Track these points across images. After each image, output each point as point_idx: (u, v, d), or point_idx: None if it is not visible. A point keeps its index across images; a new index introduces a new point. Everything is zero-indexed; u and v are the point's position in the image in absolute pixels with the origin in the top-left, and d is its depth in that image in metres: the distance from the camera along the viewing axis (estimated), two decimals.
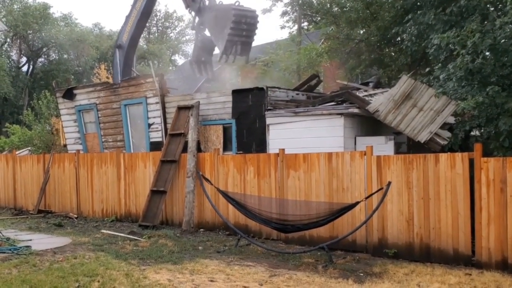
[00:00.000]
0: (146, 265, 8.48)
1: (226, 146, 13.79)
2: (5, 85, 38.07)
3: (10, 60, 44.76)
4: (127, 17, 17.54)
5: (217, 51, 16.20)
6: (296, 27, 26.14)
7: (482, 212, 8.23)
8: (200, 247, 10.08)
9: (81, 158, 15.24)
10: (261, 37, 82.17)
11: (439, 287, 7.11)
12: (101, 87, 17.30)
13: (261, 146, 13.01)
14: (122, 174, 14.02)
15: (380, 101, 11.40)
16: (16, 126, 27.43)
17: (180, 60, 53.67)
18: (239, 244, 10.02)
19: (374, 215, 9.08)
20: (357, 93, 12.72)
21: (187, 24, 51.90)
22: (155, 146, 15.12)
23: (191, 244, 10.28)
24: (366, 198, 9.16)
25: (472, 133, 10.94)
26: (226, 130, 13.87)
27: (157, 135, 15.40)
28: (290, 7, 24.60)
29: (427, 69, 12.94)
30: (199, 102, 13.84)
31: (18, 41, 44.40)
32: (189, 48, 50.96)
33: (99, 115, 16.97)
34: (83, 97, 17.47)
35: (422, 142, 10.59)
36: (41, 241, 10.73)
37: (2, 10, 42.90)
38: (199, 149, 13.37)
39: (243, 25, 15.21)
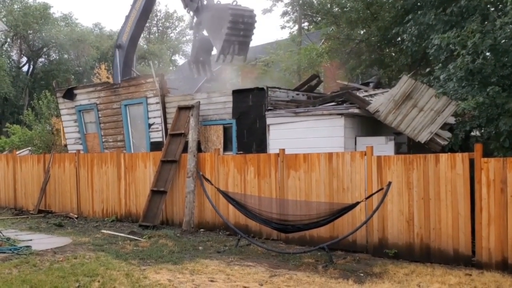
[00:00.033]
0: (146, 265, 8.48)
1: (227, 146, 13.80)
2: (6, 85, 38.11)
3: (11, 60, 44.81)
4: (127, 17, 17.56)
5: (215, 51, 16.21)
6: (296, 27, 26.15)
7: (482, 212, 8.23)
8: (200, 247, 10.08)
9: (81, 158, 15.24)
10: (261, 37, 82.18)
11: (439, 287, 7.11)
12: (102, 87, 17.30)
13: (261, 146, 13.01)
14: (123, 174, 14.02)
15: (380, 102, 11.40)
16: (17, 126, 27.47)
17: (180, 60, 53.72)
18: (239, 244, 10.02)
19: (374, 215, 9.08)
20: (358, 94, 12.72)
21: (187, 24, 51.85)
22: (155, 146, 15.13)
23: (192, 244, 10.28)
24: (367, 198, 9.16)
25: (472, 134, 10.93)
26: (226, 130, 13.87)
27: (157, 135, 15.41)
28: (290, 7, 24.62)
29: (428, 70, 12.95)
30: (199, 102, 13.85)
31: (19, 41, 44.45)
32: (189, 48, 50.92)
33: (100, 115, 16.97)
34: (83, 97, 17.48)
35: (422, 142, 10.58)
36: (42, 241, 10.73)
37: (2, 10, 42.94)
38: (199, 149, 13.37)
39: (241, 24, 15.20)
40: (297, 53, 22.98)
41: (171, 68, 47.81)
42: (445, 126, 10.77)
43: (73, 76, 42.08)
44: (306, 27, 28.49)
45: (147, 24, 50.72)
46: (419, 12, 13.89)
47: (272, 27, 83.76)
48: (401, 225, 9.04)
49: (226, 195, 10.59)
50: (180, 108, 13.98)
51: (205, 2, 16.04)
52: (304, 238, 10.19)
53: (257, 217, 10.00)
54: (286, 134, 12.38)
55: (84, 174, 15.08)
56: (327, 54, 20.45)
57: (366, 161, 9.49)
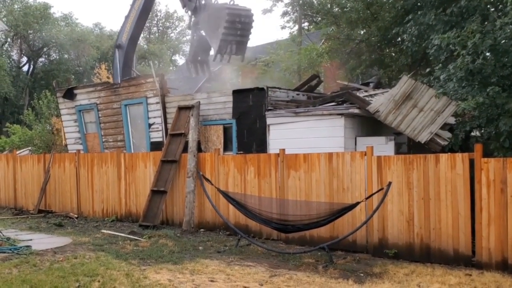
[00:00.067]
0: (146, 265, 8.48)
1: (227, 146, 13.80)
2: (6, 84, 38.12)
3: (11, 60, 44.81)
4: (126, 17, 17.58)
5: (213, 51, 16.23)
6: (296, 27, 26.16)
7: (482, 212, 8.23)
8: (200, 247, 10.08)
9: (81, 158, 15.24)
10: (261, 37, 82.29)
11: (439, 287, 7.12)
12: (102, 87, 17.30)
13: (261, 146, 13.01)
14: (123, 174, 14.02)
15: (380, 102, 11.40)
16: (17, 126, 27.48)
17: (180, 60, 53.70)
18: (240, 244, 10.02)
19: (374, 215, 9.08)
20: (358, 94, 12.72)
21: (187, 24, 51.92)
22: (155, 146, 15.13)
23: (192, 244, 10.28)
24: (367, 198, 9.17)
25: (472, 134, 10.93)
26: (226, 130, 13.87)
27: (157, 135, 15.41)
28: (290, 7, 24.63)
29: (428, 70, 12.95)
30: (199, 102, 13.85)
31: (19, 41, 44.46)
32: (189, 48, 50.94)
33: (100, 115, 16.97)
34: (83, 97, 17.48)
35: (422, 142, 10.59)
36: (42, 241, 10.73)
37: (2, 10, 42.95)
38: (199, 149, 13.37)
39: (238, 24, 15.20)
40: (297, 53, 22.99)
41: (171, 68, 47.82)
42: (445, 126, 10.77)
43: (73, 76, 42.10)
44: (306, 27, 28.51)
45: (147, 24, 50.80)
46: (419, 12, 13.89)
47: (272, 27, 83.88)
48: (401, 225, 9.04)
49: (226, 195, 10.59)
50: (180, 108, 13.99)
51: (203, 2, 16.04)
52: (304, 238, 10.20)
53: (257, 217, 10.00)
54: (286, 134, 12.38)
55: (84, 174, 15.08)
56: (327, 54, 20.45)
57: (366, 161, 9.49)
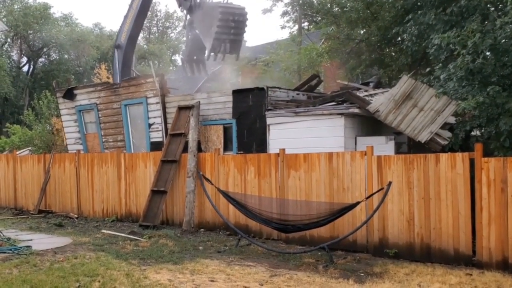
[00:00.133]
0: (146, 265, 8.48)
1: (227, 146, 13.79)
2: (6, 85, 38.10)
3: (11, 60, 44.80)
4: (125, 17, 17.61)
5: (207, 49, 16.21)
6: (296, 27, 26.14)
7: (482, 212, 8.23)
8: (200, 247, 10.08)
9: (81, 158, 15.24)
10: (261, 37, 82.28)
11: (440, 287, 7.11)
12: (102, 87, 17.30)
13: (261, 146, 13.01)
14: (123, 174, 14.02)
15: (380, 101, 11.40)
16: (17, 126, 27.46)
17: (180, 60, 53.68)
18: (240, 244, 10.01)
19: (374, 215, 9.08)
20: (358, 93, 12.72)
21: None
22: (155, 146, 15.13)
23: (192, 244, 10.28)
24: (367, 198, 9.16)
25: (472, 133, 10.93)
26: (226, 130, 13.87)
27: (157, 135, 15.41)
28: (290, 7, 24.60)
29: (428, 69, 12.94)
30: (199, 102, 13.84)
31: (19, 41, 44.45)
32: None
33: (100, 115, 16.97)
34: (83, 97, 17.48)
35: (422, 142, 10.58)
36: (42, 241, 10.73)
37: (2, 10, 42.95)
38: (199, 149, 13.37)
39: (231, 22, 15.18)
40: (297, 53, 22.98)
41: (171, 68, 47.80)
42: (445, 126, 10.77)
43: (73, 76, 42.07)
44: (306, 27, 28.49)
45: (147, 24, 50.86)
46: (419, 12, 13.89)
47: (272, 27, 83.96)
48: (402, 225, 9.04)
49: (226, 195, 10.59)
50: (180, 108, 13.98)
51: (198, 1, 16.04)
52: (304, 238, 10.19)
53: (257, 217, 10.00)
54: (286, 134, 12.38)
55: (84, 174, 15.08)
56: (327, 54, 20.45)
57: (366, 161, 9.49)
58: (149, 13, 36.94)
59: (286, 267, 8.41)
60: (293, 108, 12.71)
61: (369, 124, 12.09)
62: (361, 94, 12.89)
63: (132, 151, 15.98)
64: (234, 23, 15.27)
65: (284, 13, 25.49)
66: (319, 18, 24.86)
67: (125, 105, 16.22)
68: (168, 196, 12.73)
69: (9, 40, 44.34)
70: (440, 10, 13.10)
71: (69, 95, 17.69)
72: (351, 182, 9.68)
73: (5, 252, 9.27)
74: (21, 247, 9.66)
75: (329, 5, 21.36)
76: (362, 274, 7.86)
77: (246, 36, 16.02)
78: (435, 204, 8.66)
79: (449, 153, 9.01)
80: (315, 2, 22.92)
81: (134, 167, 13.77)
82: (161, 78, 15.46)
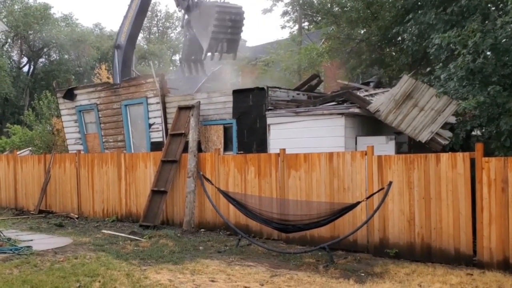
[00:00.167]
0: (147, 265, 8.48)
1: (227, 146, 13.79)
2: (6, 85, 38.12)
3: (11, 60, 44.82)
4: (125, 17, 17.62)
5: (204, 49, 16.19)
6: (296, 27, 26.15)
7: (483, 212, 8.22)
8: (201, 247, 10.07)
9: (82, 158, 15.24)
10: (261, 37, 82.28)
11: (441, 287, 7.10)
12: (102, 87, 17.30)
13: (261, 146, 13.00)
14: (123, 174, 14.02)
15: (381, 101, 11.39)
16: (17, 126, 27.47)
17: (178, 60, 53.66)
18: (240, 244, 10.01)
19: (375, 215, 9.07)
20: (358, 93, 12.71)
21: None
22: (155, 146, 15.12)
23: (192, 244, 10.27)
24: (367, 198, 9.15)
25: (473, 133, 10.92)
26: (226, 130, 13.87)
27: (157, 135, 15.40)
28: (290, 7, 24.62)
29: (428, 69, 12.94)
30: (199, 102, 13.84)
31: (19, 41, 44.47)
32: None
33: (100, 116, 16.97)
34: (83, 98, 17.48)
35: (423, 142, 10.57)
36: (42, 241, 10.73)
37: (3, 10, 42.98)
38: (199, 149, 13.37)
39: (228, 22, 15.18)
40: (297, 52, 22.98)
41: (171, 68, 47.79)
42: (446, 126, 10.76)
43: (73, 77, 42.08)
44: (306, 27, 28.49)
45: (147, 24, 50.87)
46: (419, 12, 13.88)
47: (272, 27, 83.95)
48: (402, 225, 9.03)
49: (226, 195, 10.58)
50: (181, 108, 13.98)
51: (195, 0, 16.04)
52: (304, 238, 10.18)
53: (258, 217, 9.99)
54: (287, 134, 12.37)
55: (84, 174, 15.08)
56: (328, 54, 20.44)
57: (366, 161, 9.48)
58: (149, 13, 37.01)
59: (286, 267, 8.40)
60: (293, 108, 12.70)
61: (370, 124, 12.08)
62: (361, 94, 12.88)
63: (132, 151, 15.98)
64: (231, 22, 15.27)
65: (284, 13, 25.52)
66: (319, 18, 24.87)
67: (125, 105, 16.22)
68: (169, 196, 12.72)
69: (9, 40, 44.38)
70: (440, 9, 13.09)
71: (69, 95, 17.70)
72: (352, 182, 9.67)
73: (5, 252, 9.27)
74: (21, 247, 9.66)
75: (329, 5, 21.37)
76: (363, 274, 7.86)
77: (246, 36, 16.18)
78: (435, 204, 8.65)
79: (449, 153, 9.00)
80: (315, 2, 22.92)
81: (134, 167, 13.77)
82: (161, 78, 15.46)
